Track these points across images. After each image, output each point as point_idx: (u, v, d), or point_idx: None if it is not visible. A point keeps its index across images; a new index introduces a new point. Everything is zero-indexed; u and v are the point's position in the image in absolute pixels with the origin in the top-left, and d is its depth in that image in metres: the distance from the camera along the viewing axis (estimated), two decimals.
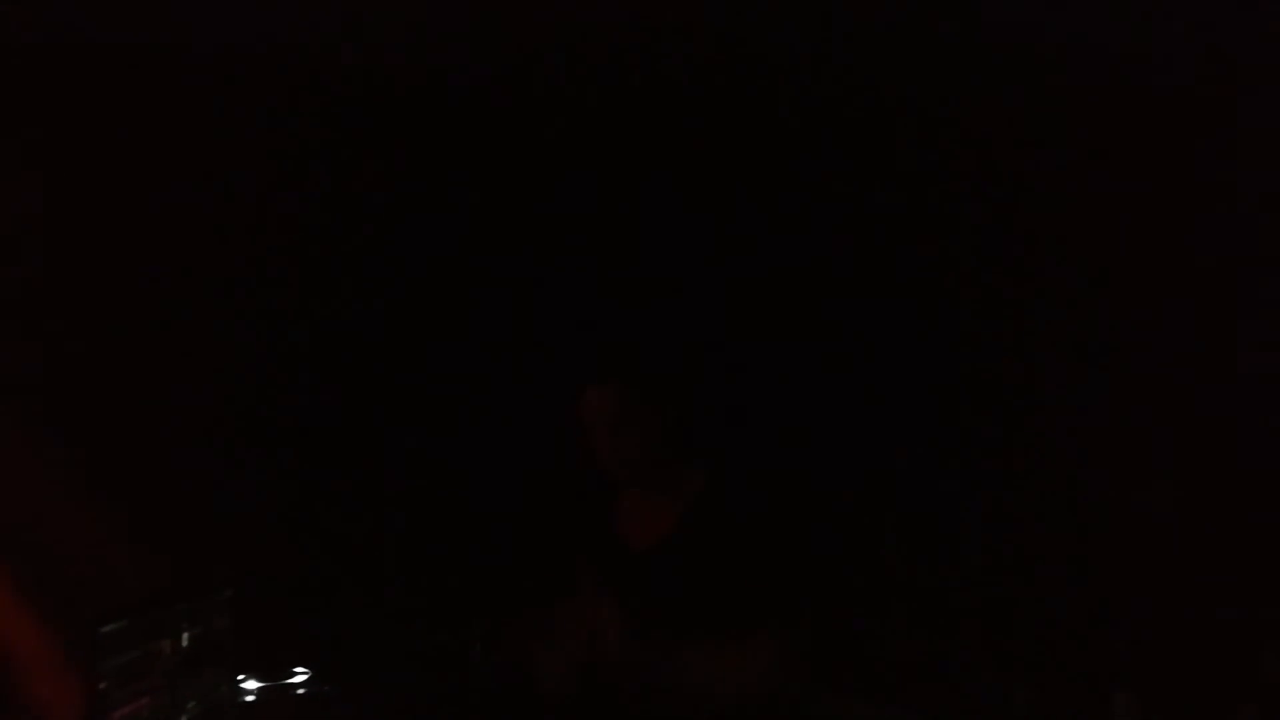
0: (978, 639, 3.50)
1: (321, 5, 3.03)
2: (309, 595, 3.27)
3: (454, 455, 3.54)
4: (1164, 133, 3.29)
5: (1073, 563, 3.39)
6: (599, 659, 2.31)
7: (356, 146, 3.49)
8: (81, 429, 3.03)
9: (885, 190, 3.75)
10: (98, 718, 2.23)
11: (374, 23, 3.16)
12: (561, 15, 3.10)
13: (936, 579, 3.58)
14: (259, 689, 2.69)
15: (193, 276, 3.26)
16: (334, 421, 3.44)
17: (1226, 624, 3.12)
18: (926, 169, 3.70)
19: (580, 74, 3.47)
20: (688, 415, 2.48)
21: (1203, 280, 3.23)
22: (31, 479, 2.93)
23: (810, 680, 2.57)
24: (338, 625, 3.23)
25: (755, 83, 3.60)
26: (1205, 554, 3.17)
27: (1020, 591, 3.46)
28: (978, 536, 3.54)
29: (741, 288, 3.73)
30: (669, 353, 2.54)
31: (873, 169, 3.74)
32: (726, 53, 3.39)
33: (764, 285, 3.75)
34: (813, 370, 3.71)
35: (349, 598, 3.32)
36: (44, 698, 2.76)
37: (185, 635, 2.44)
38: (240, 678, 2.65)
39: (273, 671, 2.73)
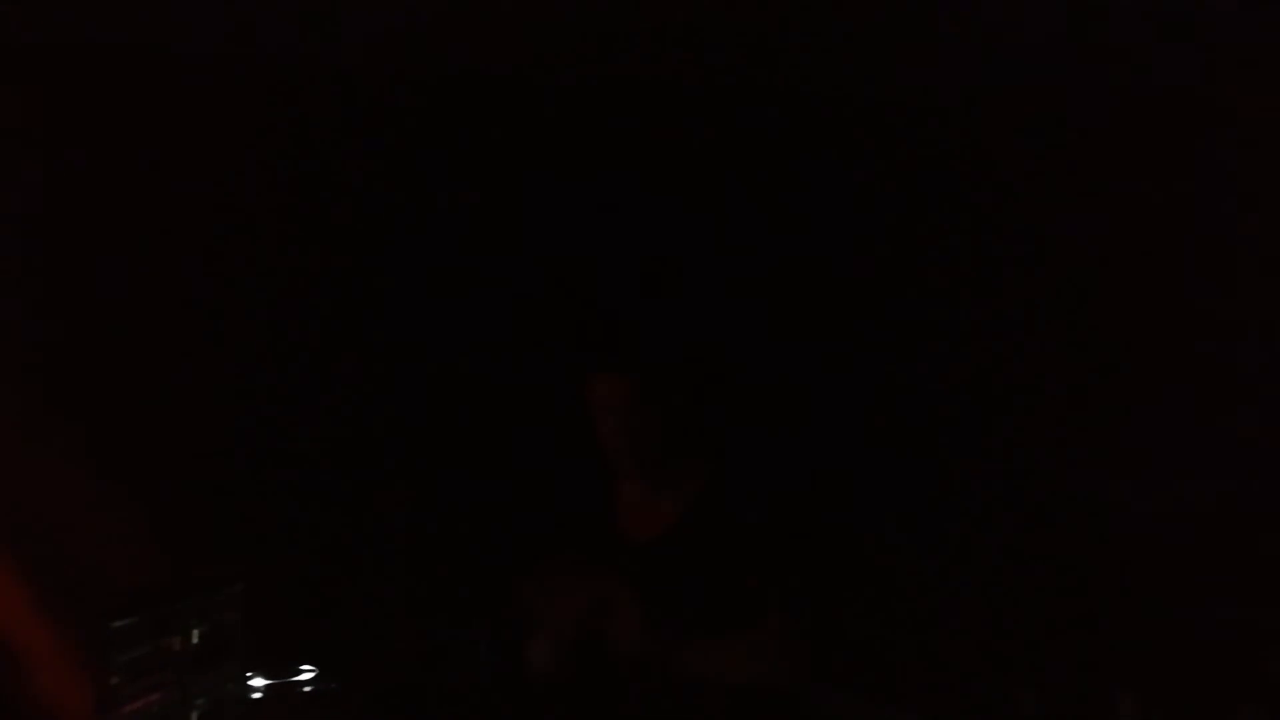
0: (982, 640, 3.51)
1: (321, 4, 3.03)
2: (315, 593, 3.26)
3: (460, 452, 3.54)
4: (1164, 132, 3.32)
5: (1076, 564, 3.40)
6: (612, 645, 2.30)
7: (358, 143, 3.50)
8: (91, 426, 3.03)
9: (888, 190, 3.77)
10: (108, 713, 2.22)
11: (374, 20, 3.16)
12: (561, 10, 3.11)
13: (941, 580, 3.59)
14: (265, 686, 2.68)
15: (202, 273, 3.26)
16: (342, 418, 3.44)
17: (1228, 625, 3.13)
18: (927, 169, 3.72)
19: (593, 65, 3.48)
20: (694, 408, 2.49)
21: (1205, 280, 3.26)
22: (41, 477, 2.93)
23: (814, 680, 2.57)
24: (344, 623, 3.23)
25: (764, 77, 3.61)
26: (1208, 556, 3.19)
27: (1024, 593, 3.47)
28: (982, 538, 3.55)
29: (747, 284, 3.74)
30: (675, 346, 2.53)
31: (873, 169, 3.76)
32: (732, 44, 3.41)
33: (768, 282, 3.76)
34: (817, 368, 3.72)
35: (355, 595, 3.32)
36: (55, 693, 2.75)
37: (195, 631, 2.42)
38: (247, 675, 2.64)
39: (279, 669, 2.72)
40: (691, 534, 2.40)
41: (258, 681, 2.67)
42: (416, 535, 3.46)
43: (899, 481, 3.74)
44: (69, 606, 2.83)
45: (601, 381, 2.43)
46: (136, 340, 3.17)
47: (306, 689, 2.72)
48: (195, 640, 2.42)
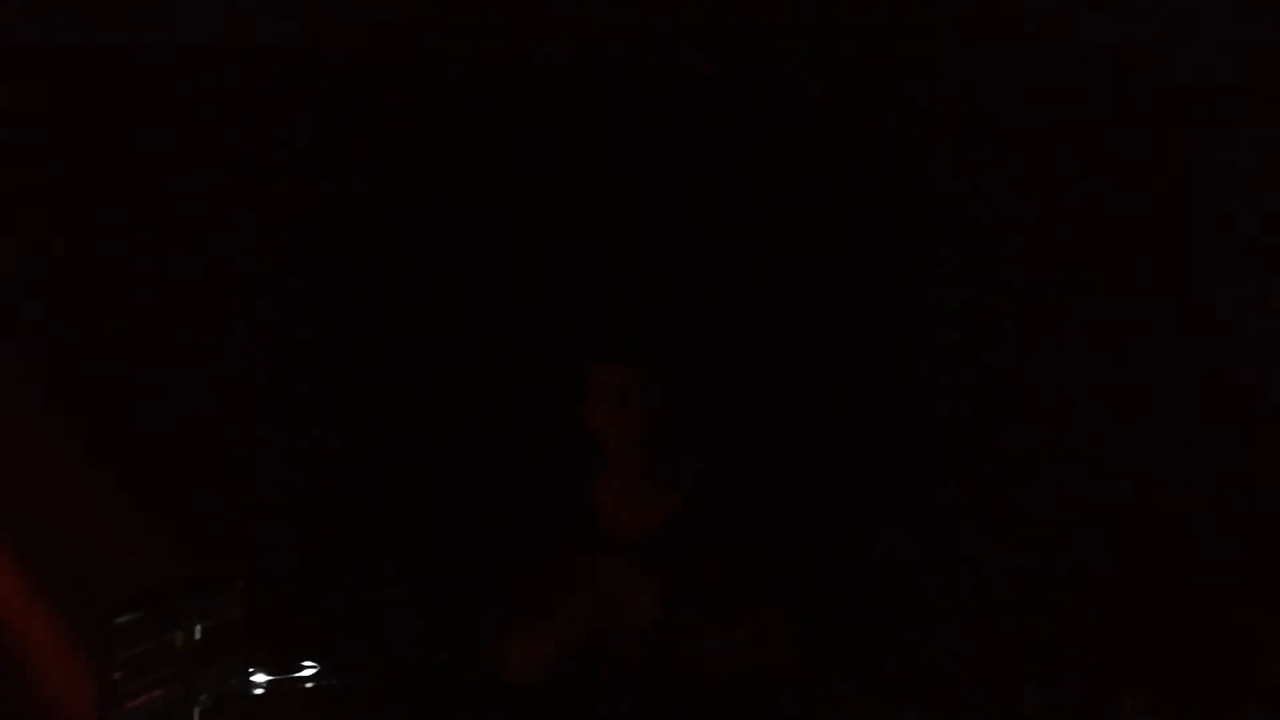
0: (986, 640, 3.51)
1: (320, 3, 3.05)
2: (317, 589, 3.27)
3: (464, 450, 3.54)
4: (1164, 133, 3.32)
5: (1081, 564, 3.40)
6: (626, 632, 2.30)
7: (356, 139, 3.50)
8: (92, 422, 3.03)
9: (887, 188, 3.77)
10: (110, 709, 2.22)
11: (373, 19, 3.17)
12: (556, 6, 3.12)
13: (945, 580, 3.59)
14: (268, 682, 2.68)
15: (203, 271, 3.27)
16: (345, 413, 3.45)
17: (1236, 625, 3.13)
18: (928, 169, 3.72)
19: (597, 56, 3.48)
20: (687, 405, 2.50)
21: (1208, 280, 3.26)
22: (43, 472, 2.94)
23: (814, 678, 2.57)
24: (347, 618, 3.23)
25: (760, 73, 3.61)
26: (1214, 555, 3.19)
27: (1029, 592, 3.47)
28: (986, 537, 3.55)
29: (746, 281, 3.73)
30: (678, 339, 2.55)
31: (873, 168, 3.76)
32: (735, 39, 3.41)
33: (768, 281, 3.76)
34: (817, 366, 3.72)
35: (358, 591, 3.32)
36: (57, 689, 2.76)
37: (198, 627, 2.43)
38: (250, 671, 2.64)
39: (282, 665, 2.73)
40: (684, 531, 2.41)
41: (260, 678, 2.68)
42: (422, 532, 3.46)
43: (899, 480, 3.73)
44: (71, 602, 2.84)
45: (609, 370, 2.43)
46: (138, 337, 3.17)
47: (309, 685, 2.73)
48: (198, 636, 2.43)
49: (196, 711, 2.43)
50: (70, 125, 3.15)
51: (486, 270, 3.62)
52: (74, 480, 2.99)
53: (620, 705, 2.41)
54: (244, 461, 3.29)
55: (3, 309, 3.05)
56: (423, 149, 3.57)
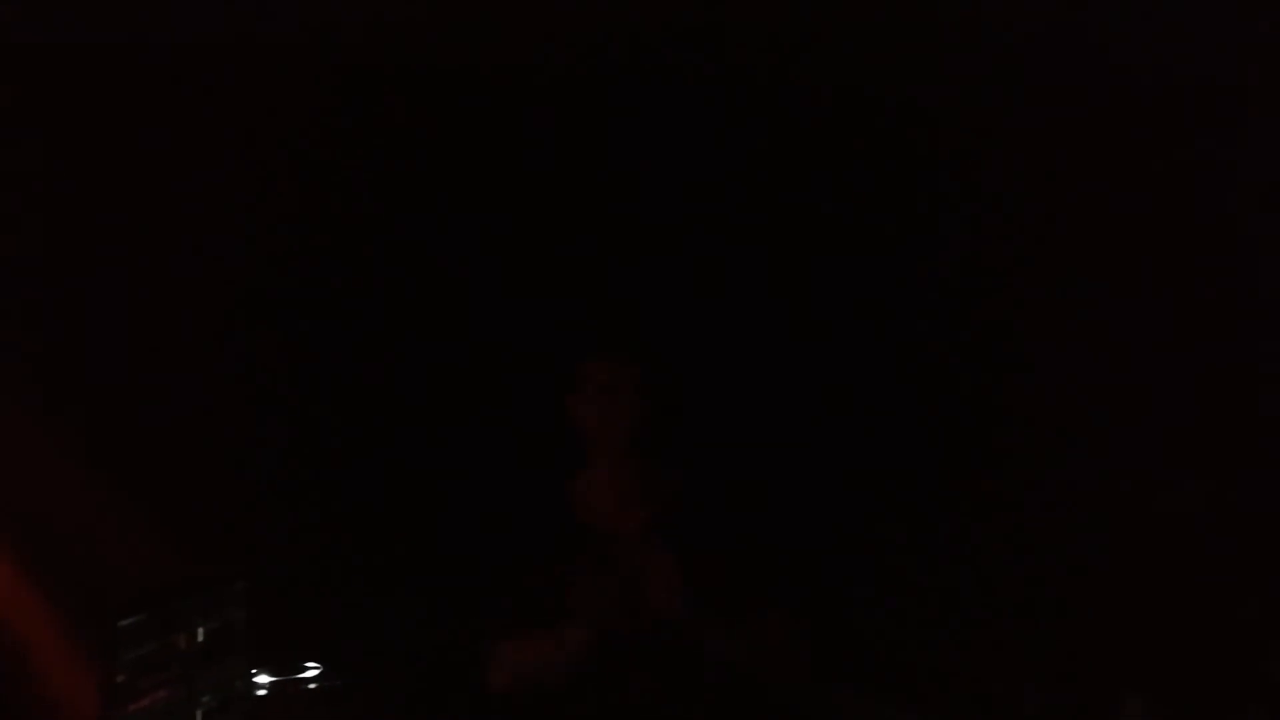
0: (987, 640, 3.51)
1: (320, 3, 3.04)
2: (320, 590, 3.26)
3: (464, 450, 3.54)
4: (1163, 132, 3.32)
5: (1082, 563, 3.40)
6: (652, 614, 2.29)
7: (356, 139, 3.49)
8: (92, 422, 3.03)
9: (884, 188, 3.77)
10: (115, 710, 2.22)
11: (373, 19, 3.17)
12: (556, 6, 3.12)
13: (946, 579, 3.59)
14: (270, 683, 2.68)
15: (204, 271, 3.26)
16: (345, 414, 3.44)
17: (1236, 625, 3.14)
18: (927, 169, 3.72)
19: (595, 57, 3.48)
20: (685, 404, 2.50)
21: (1208, 280, 3.26)
22: (47, 476, 2.93)
23: (815, 677, 2.57)
24: (348, 619, 3.22)
25: (759, 73, 3.61)
26: (1215, 554, 3.19)
27: (1030, 592, 3.47)
28: (986, 537, 3.55)
29: (745, 279, 3.73)
30: (672, 337, 2.54)
31: (871, 168, 3.76)
32: (734, 41, 3.41)
33: (767, 278, 3.76)
34: (817, 365, 3.72)
35: (359, 592, 3.31)
36: (62, 690, 2.75)
37: (201, 629, 2.43)
38: (253, 672, 2.64)
39: (284, 666, 2.73)
40: (684, 530, 2.41)
41: (263, 679, 2.68)
42: (425, 533, 3.46)
43: (899, 480, 3.74)
44: (76, 605, 2.83)
45: (603, 366, 2.43)
46: (138, 337, 3.17)
47: (311, 686, 2.73)
48: (201, 638, 2.43)
49: (199, 712, 2.43)
50: (70, 125, 3.14)
51: (486, 270, 3.62)
52: (74, 480, 2.98)
53: (620, 704, 2.40)
54: (244, 461, 3.28)
55: (2, 309, 3.05)
56: (422, 148, 3.57)
